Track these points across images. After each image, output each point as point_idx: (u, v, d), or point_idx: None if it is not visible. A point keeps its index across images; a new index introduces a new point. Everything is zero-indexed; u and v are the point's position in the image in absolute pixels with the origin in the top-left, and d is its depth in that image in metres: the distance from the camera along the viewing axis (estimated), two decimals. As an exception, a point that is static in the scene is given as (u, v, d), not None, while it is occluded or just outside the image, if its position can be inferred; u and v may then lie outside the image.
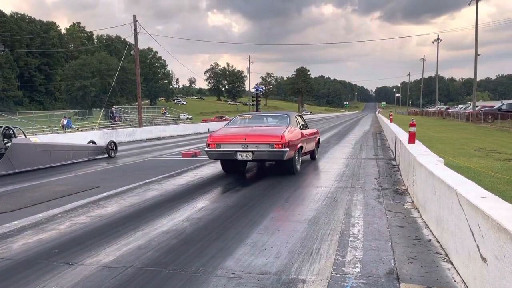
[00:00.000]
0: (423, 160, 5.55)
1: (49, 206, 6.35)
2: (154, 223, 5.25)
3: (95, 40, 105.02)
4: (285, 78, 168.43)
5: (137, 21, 29.24)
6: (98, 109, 51.85)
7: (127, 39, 35.02)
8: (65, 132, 29.15)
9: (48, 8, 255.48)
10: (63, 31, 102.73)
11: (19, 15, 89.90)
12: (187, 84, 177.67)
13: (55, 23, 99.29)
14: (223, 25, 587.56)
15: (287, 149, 8.15)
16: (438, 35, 67.10)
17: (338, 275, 3.51)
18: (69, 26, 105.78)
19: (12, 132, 10.63)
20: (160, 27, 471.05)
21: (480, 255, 2.83)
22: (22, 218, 5.65)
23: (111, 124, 40.40)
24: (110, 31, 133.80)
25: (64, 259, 4.02)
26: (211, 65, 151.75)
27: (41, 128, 33.65)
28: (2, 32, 79.09)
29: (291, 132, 8.78)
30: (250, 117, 10.62)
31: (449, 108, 70.35)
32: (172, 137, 26.07)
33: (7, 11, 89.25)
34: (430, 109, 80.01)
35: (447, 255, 3.86)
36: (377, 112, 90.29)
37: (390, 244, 4.27)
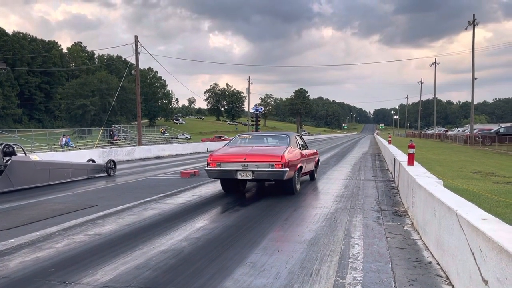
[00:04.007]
0: (423, 181, 5.55)
1: (46, 224, 6.30)
2: (153, 243, 5.21)
3: (96, 60, 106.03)
4: (284, 99, 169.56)
5: (138, 41, 29.60)
6: (98, 127, 52.02)
7: (128, 59, 35.39)
8: (63, 150, 29.16)
9: (52, 28, 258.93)
10: (65, 50, 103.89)
11: (21, 34, 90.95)
12: (187, 104, 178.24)
13: (57, 42, 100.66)
14: (224, 46, 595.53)
15: (287, 169, 8.16)
16: (435, 59, 67.74)
17: (339, 297, 3.47)
18: (71, 46, 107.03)
19: (12, 150, 10.60)
20: (161, 47, 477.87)
21: (482, 277, 2.81)
22: (19, 236, 5.60)
23: (110, 142, 40.48)
24: (110, 51, 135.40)
25: (61, 278, 3.98)
26: (210, 85, 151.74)
27: (40, 146, 33.67)
28: (4, 51, 79.89)
29: (291, 152, 8.80)
30: (250, 137, 10.63)
31: (447, 130, 70.70)
32: (171, 156, 26.05)
33: (10, 31, 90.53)
34: (428, 132, 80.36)
35: (447, 278, 3.83)
36: (375, 134, 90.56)
37: (390, 266, 4.24)
